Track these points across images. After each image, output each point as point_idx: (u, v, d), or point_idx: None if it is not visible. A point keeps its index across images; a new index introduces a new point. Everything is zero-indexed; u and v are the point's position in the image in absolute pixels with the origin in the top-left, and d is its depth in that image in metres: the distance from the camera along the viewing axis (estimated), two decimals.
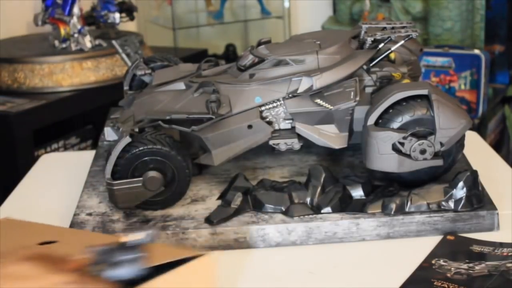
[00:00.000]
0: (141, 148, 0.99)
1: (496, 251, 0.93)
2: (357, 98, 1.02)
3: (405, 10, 2.53)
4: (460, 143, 1.02)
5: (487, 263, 0.90)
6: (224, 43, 2.80)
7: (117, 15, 2.11)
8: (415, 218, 0.98)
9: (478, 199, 0.99)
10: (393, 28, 1.09)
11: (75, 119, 1.99)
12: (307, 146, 1.09)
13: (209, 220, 0.98)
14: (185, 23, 2.71)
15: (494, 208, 0.99)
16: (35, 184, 1.24)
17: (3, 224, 0.88)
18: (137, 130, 1.02)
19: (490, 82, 2.48)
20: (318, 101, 1.03)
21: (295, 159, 1.15)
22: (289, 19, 2.75)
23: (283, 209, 0.99)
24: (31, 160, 1.45)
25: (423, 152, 0.99)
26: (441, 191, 0.99)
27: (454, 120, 0.98)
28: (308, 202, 1.00)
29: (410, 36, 1.07)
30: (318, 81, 1.02)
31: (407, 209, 0.98)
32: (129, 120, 1.06)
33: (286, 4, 2.74)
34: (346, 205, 1.00)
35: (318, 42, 1.06)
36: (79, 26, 1.96)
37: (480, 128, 2.39)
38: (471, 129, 1.08)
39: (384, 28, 1.09)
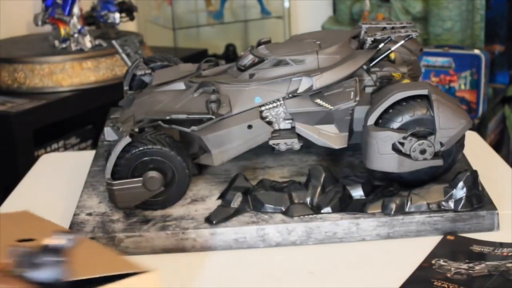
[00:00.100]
0: (141, 148, 0.99)
1: (496, 251, 0.93)
2: (357, 98, 1.02)
3: (405, 10, 2.53)
4: (460, 143, 1.02)
5: (487, 263, 0.90)
6: (224, 43, 2.80)
7: (117, 15, 2.11)
8: (415, 218, 0.98)
9: (478, 199, 0.99)
10: (393, 28, 1.09)
11: (75, 119, 1.99)
12: (307, 146, 1.09)
13: (209, 220, 0.98)
14: (185, 23, 2.71)
15: (494, 208, 0.99)
16: (35, 184, 1.24)
17: (19, 216, 0.90)
18: (137, 130, 1.02)
19: (490, 82, 2.48)
20: (318, 101, 1.03)
21: (295, 159, 1.15)
22: (289, 19, 2.75)
23: (283, 209, 0.99)
24: (31, 160, 1.45)
25: (423, 152, 0.99)
26: (441, 191, 0.99)
27: (454, 120, 0.98)
28: (308, 202, 1.00)
29: (410, 36, 1.07)
30: (318, 81, 1.02)
31: (407, 209, 0.98)
32: (129, 120, 1.06)
33: (286, 4, 2.74)
34: (346, 205, 1.00)
35: (318, 42, 1.06)
36: (79, 26, 1.96)
37: (480, 128, 2.39)
38: (471, 129, 1.08)
39: (384, 28, 1.09)
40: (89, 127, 2.07)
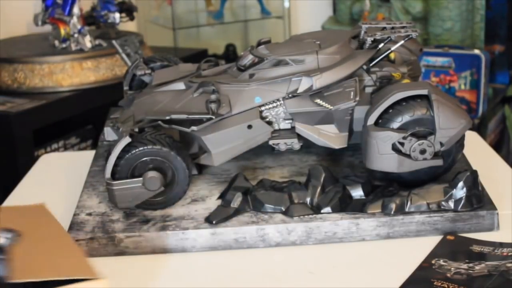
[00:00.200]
0: (141, 148, 0.99)
1: (496, 251, 0.93)
2: (357, 98, 1.02)
3: (405, 10, 2.53)
4: (460, 143, 1.02)
5: (487, 263, 0.90)
6: (224, 43, 2.80)
7: (117, 15, 2.11)
8: (415, 218, 0.98)
9: (478, 199, 0.99)
10: (393, 28, 1.09)
11: (75, 119, 1.99)
12: (307, 146, 1.09)
13: (209, 220, 0.98)
14: (185, 23, 2.71)
15: (494, 208, 0.99)
16: (35, 184, 1.24)
17: (34, 209, 0.93)
18: (137, 130, 1.02)
19: (490, 82, 2.48)
20: (318, 101, 1.03)
21: (295, 159, 1.15)
22: (289, 19, 2.75)
23: (283, 209, 0.99)
24: (31, 160, 1.45)
25: (423, 152, 0.99)
26: (441, 191, 0.99)
27: (454, 120, 0.98)
28: (308, 202, 1.00)
29: (410, 36, 1.07)
30: (318, 81, 1.02)
31: (407, 209, 0.98)
32: (129, 120, 1.06)
33: (286, 4, 2.74)
34: (346, 205, 1.00)
35: (318, 42, 1.06)
36: (79, 26, 1.96)
37: (480, 128, 2.39)
38: (471, 129, 1.08)
39: (384, 28, 1.09)
40: (89, 127, 2.07)
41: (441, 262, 0.91)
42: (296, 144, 1.04)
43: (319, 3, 2.85)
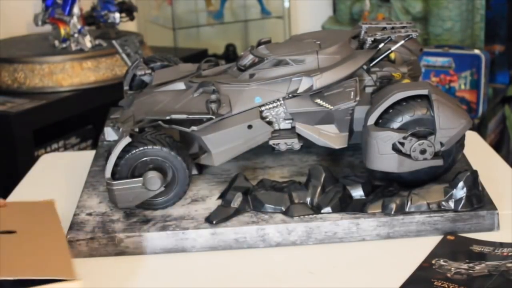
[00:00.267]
0: (141, 148, 0.99)
1: (496, 251, 0.93)
2: (357, 98, 1.02)
3: (405, 10, 2.53)
4: (460, 143, 1.02)
5: (487, 263, 0.90)
6: (224, 43, 2.80)
7: (117, 15, 2.11)
8: (415, 218, 0.98)
9: (478, 199, 0.99)
10: (393, 28, 1.09)
11: (75, 119, 1.99)
12: (307, 146, 1.09)
13: (209, 220, 0.98)
14: (185, 23, 2.71)
15: (494, 208, 0.99)
16: (35, 184, 1.24)
17: (41, 205, 0.96)
18: (137, 130, 1.02)
19: (490, 82, 2.48)
20: (318, 101, 1.03)
21: (295, 159, 1.15)
22: (289, 19, 2.75)
23: (283, 209, 0.99)
24: (31, 160, 1.45)
25: (423, 152, 0.99)
26: (441, 191, 0.99)
27: (454, 120, 0.98)
28: (308, 202, 1.00)
29: (410, 36, 1.07)
30: (318, 81, 1.02)
31: (407, 209, 0.98)
32: (129, 120, 1.06)
33: (286, 4, 2.74)
34: (346, 205, 1.00)
35: (318, 42, 1.06)
36: (79, 26, 1.96)
37: (480, 128, 2.39)
38: (471, 129, 1.08)
39: (384, 28, 1.09)
40: (89, 127, 2.07)
41: (441, 262, 0.91)
42: (296, 144, 1.04)
43: (319, 3, 2.85)
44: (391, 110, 0.99)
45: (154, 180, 0.99)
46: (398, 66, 1.08)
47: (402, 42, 1.08)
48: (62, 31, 1.96)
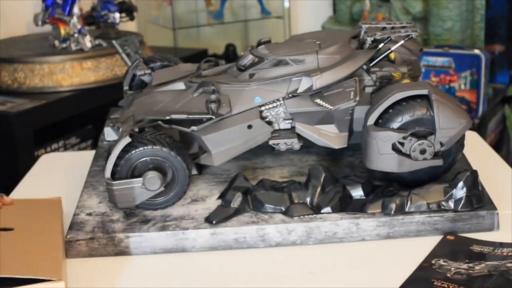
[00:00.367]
0: (141, 148, 0.99)
1: (496, 251, 0.93)
2: (357, 98, 1.02)
3: (405, 10, 2.53)
4: (460, 143, 1.02)
5: (487, 263, 0.90)
6: (224, 43, 2.80)
7: (117, 15, 2.11)
8: (415, 218, 0.98)
9: (478, 199, 0.99)
10: (393, 28, 1.09)
11: (75, 119, 1.99)
12: (307, 146, 1.09)
13: (209, 220, 0.98)
14: (185, 23, 2.71)
15: (494, 208, 0.99)
16: (35, 184, 1.24)
17: (47, 203, 0.97)
18: (137, 130, 1.02)
19: (490, 82, 2.48)
20: (318, 101, 1.03)
21: (295, 159, 1.15)
22: (289, 19, 2.75)
23: (283, 209, 0.99)
24: (31, 160, 1.45)
25: (423, 152, 0.99)
26: (441, 191, 0.99)
27: (454, 120, 0.98)
28: (308, 202, 1.00)
29: (410, 36, 1.07)
30: (318, 81, 1.02)
31: (407, 209, 0.98)
32: (129, 120, 1.06)
33: (286, 4, 2.74)
34: (346, 205, 1.00)
35: (318, 42, 1.06)
36: (79, 26, 1.96)
37: (480, 128, 2.39)
38: (471, 129, 1.08)
39: (384, 28, 1.09)
40: (89, 127, 2.07)
41: (441, 262, 0.91)
42: (296, 144, 1.04)
43: (319, 3, 2.85)
44: (391, 110, 0.99)
45: (154, 180, 0.99)
46: (398, 66, 1.08)
47: (402, 42, 1.08)
48: (62, 31, 1.96)
